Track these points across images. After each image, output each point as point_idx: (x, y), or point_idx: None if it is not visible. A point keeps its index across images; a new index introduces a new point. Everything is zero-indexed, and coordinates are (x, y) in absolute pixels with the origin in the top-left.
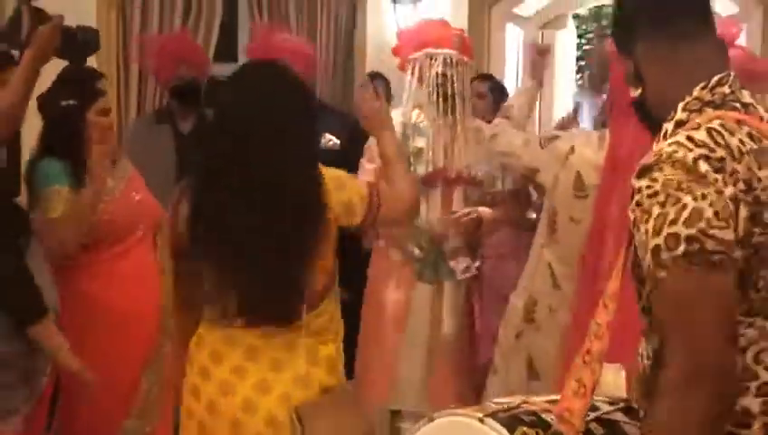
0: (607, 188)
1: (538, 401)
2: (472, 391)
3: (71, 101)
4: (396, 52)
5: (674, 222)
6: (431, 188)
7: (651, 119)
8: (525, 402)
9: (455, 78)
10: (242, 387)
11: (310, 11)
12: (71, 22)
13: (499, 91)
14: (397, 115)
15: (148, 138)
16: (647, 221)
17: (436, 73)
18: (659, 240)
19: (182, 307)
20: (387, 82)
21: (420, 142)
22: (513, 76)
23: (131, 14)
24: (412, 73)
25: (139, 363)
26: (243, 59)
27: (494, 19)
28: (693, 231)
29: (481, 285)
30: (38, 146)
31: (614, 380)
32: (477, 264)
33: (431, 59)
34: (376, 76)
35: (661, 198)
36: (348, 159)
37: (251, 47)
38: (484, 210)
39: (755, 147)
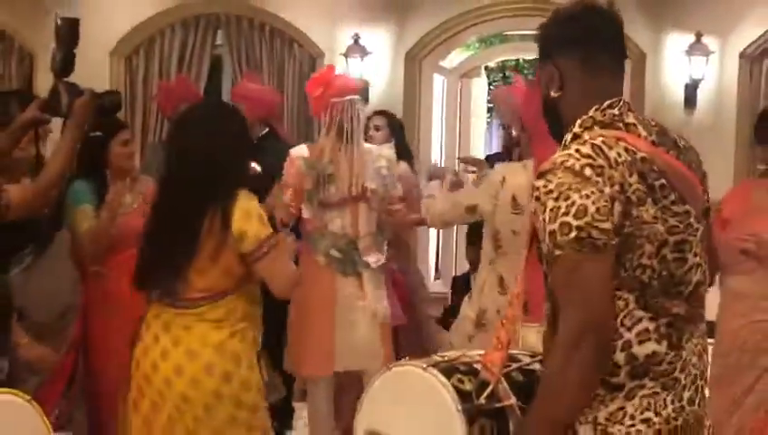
0: None
1: (472, 354)
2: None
3: (97, 133)
4: (313, 100)
5: (565, 214)
6: (344, 206)
7: (559, 122)
8: (463, 356)
9: (353, 116)
10: (154, 351)
11: (279, 65)
12: (88, 70)
13: (394, 126)
14: (304, 148)
15: (160, 157)
16: (543, 212)
17: (345, 116)
18: (555, 226)
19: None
20: None
21: (330, 169)
22: (438, 115)
23: (137, 63)
24: (324, 115)
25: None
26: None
27: (424, 70)
28: (581, 223)
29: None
30: (74, 169)
31: (536, 338)
32: (384, 256)
33: (338, 104)
34: None
35: (554, 194)
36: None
37: (232, 91)
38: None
39: (629, 159)
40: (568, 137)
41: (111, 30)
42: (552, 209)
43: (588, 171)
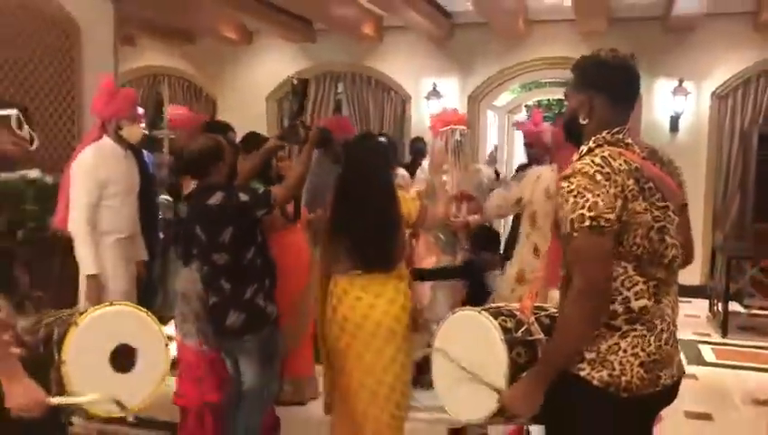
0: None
1: (512, 306)
2: None
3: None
4: (431, 127)
5: (582, 207)
6: (453, 202)
7: (579, 137)
8: (506, 306)
9: (463, 142)
10: (360, 307)
11: (380, 106)
12: (250, 110)
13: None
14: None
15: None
16: (564, 205)
17: (456, 140)
18: (574, 216)
19: (325, 265)
20: (425, 143)
21: (445, 177)
22: (492, 139)
23: (285, 106)
24: (441, 139)
25: (299, 295)
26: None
27: (481, 108)
28: (593, 214)
29: None
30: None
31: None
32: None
33: (452, 131)
34: (418, 140)
35: (574, 193)
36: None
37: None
38: (473, 217)
39: (627, 168)
40: (584, 149)
41: (267, 80)
42: (572, 203)
43: (598, 176)
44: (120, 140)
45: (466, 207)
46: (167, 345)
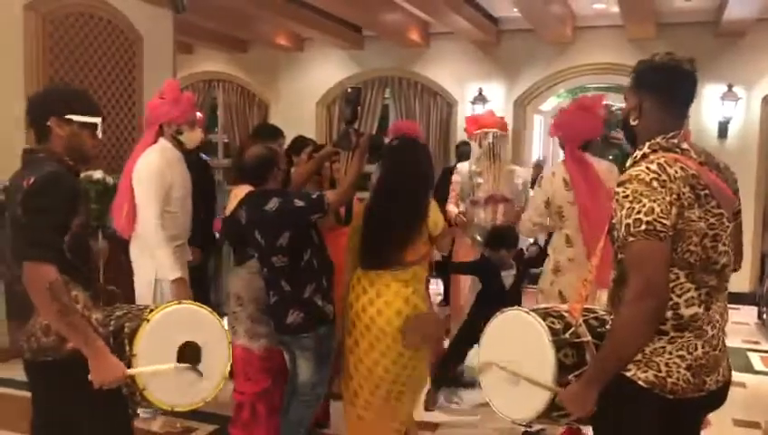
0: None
1: (561, 307)
2: None
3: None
4: (466, 129)
5: (638, 212)
6: (488, 204)
7: (632, 138)
8: (554, 307)
9: (497, 144)
10: (363, 299)
11: (427, 111)
12: (302, 114)
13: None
14: (466, 165)
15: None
16: (621, 210)
17: (489, 143)
18: (630, 220)
19: (352, 262)
20: (469, 147)
21: (480, 180)
22: (537, 142)
23: (334, 110)
24: (476, 141)
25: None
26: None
27: (527, 112)
28: (650, 218)
29: None
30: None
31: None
32: None
33: (485, 133)
34: (463, 144)
35: (630, 198)
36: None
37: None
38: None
39: (683, 174)
40: (638, 154)
41: (318, 86)
42: (628, 208)
43: (655, 183)
44: (177, 144)
45: (502, 209)
46: (229, 343)
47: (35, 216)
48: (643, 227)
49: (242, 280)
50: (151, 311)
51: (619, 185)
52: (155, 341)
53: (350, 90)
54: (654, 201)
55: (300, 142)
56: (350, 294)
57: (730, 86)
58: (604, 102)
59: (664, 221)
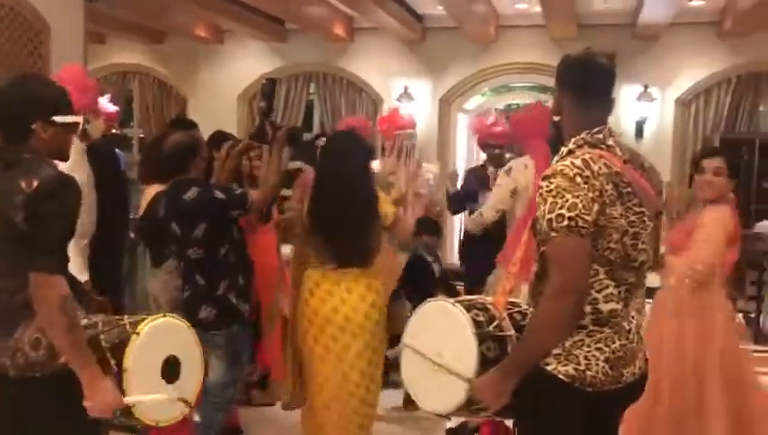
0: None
1: (486, 299)
2: None
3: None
4: (382, 131)
5: (561, 207)
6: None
7: (559, 137)
8: (480, 299)
9: (408, 143)
10: (331, 301)
11: (352, 107)
12: (221, 109)
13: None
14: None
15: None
16: (544, 204)
17: (407, 143)
18: (552, 216)
19: (300, 259)
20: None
21: (392, 178)
22: (462, 141)
23: (255, 105)
24: (395, 143)
25: (266, 295)
26: (316, 131)
27: (452, 111)
28: (572, 214)
29: None
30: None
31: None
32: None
33: (399, 135)
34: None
35: (554, 193)
36: None
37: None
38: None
39: (607, 171)
40: (564, 150)
41: (239, 80)
42: (551, 203)
43: (578, 179)
44: (82, 134)
45: (417, 207)
46: (203, 358)
47: (44, 222)
48: (565, 222)
49: (159, 281)
50: (134, 323)
51: (543, 179)
52: (143, 355)
53: (265, 81)
54: (577, 197)
55: (219, 137)
56: (311, 299)
57: (646, 87)
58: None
59: (586, 217)
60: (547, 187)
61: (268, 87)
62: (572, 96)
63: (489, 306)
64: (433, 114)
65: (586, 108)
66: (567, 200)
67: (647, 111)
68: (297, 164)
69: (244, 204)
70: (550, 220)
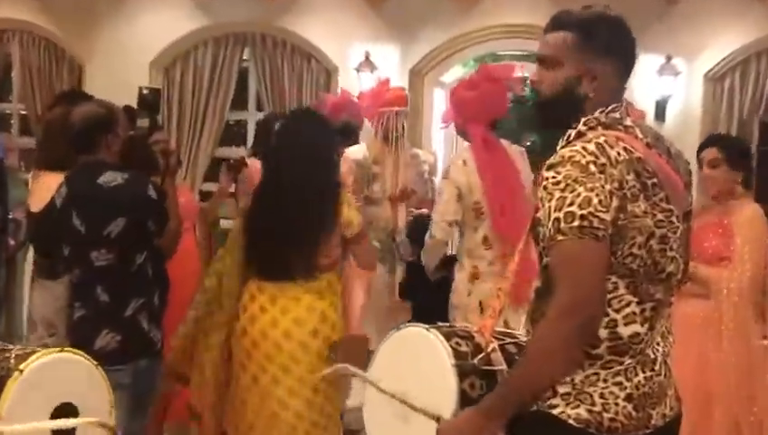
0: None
1: (469, 326)
2: None
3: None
4: (365, 108)
5: (571, 204)
6: (385, 203)
7: (572, 116)
8: (463, 326)
9: (398, 125)
10: (262, 321)
11: (298, 78)
12: (130, 78)
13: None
14: (358, 150)
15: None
16: (549, 200)
17: (398, 124)
18: (559, 214)
19: (238, 266)
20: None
21: (376, 168)
22: (437, 125)
23: (173, 74)
24: (379, 124)
25: (184, 309)
26: (251, 109)
27: (426, 84)
28: (585, 212)
29: None
30: None
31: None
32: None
33: (396, 114)
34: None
35: (562, 186)
36: None
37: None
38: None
39: (627, 157)
40: (572, 133)
41: (152, 43)
42: (558, 198)
43: (592, 167)
44: None
45: (405, 206)
46: (112, 408)
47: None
48: (576, 222)
49: (53, 298)
50: (21, 356)
51: (548, 169)
52: (24, 400)
53: (145, 91)
54: (591, 190)
55: (128, 116)
56: (242, 315)
57: (668, 58)
58: (517, 74)
59: (602, 216)
60: (554, 178)
61: (151, 97)
62: (616, 64)
63: (475, 334)
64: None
65: (620, 81)
66: (579, 194)
67: (669, 87)
68: (241, 153)
69: (164, 224)
70: (557, 220)
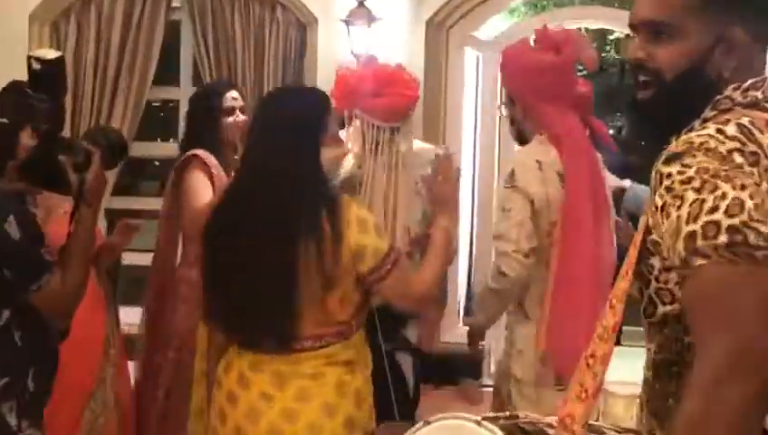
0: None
1: (540, 417)
2: None
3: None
4: (337, 98)
5: (713, 209)
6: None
7: (696, 102)
8: (530, 415)
9: (393, 146)
10: (245, 398)
11: (256, 35)
12: (11, 51)
13: None
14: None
15: None
16: (679, 207)
17: (383, 136)
18: (696, 226)
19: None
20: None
21: (359, 177)
22: (471, 99)
23: (66, 31)
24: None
25: (84, 394)
26: (185, 83)
27: (451, 42)
28: (735, 222)
29: None
30: None
31: (624, 409)
32: None
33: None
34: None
35: (696, 183)
36: None
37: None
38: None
39: None
40: (696, 122)
41: None
42: (692, 203)
43: (738, 158)
44: None
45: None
46: None
47: None
48: (723, 237)
49: None
50: None
51: (666, 162)
52: None
53: (36, 64)
54: (742, 189)
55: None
56: (217, 394)
57: None
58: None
59: (762, 227)
60: (682, 174)
61: (50, 71)
62: (752, 34)
63: (546, 428)
64: (415, 49)
65: (761, 51)
66: (724, 195)
67: None
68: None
69: (32, 277)
70: (691, 236)
